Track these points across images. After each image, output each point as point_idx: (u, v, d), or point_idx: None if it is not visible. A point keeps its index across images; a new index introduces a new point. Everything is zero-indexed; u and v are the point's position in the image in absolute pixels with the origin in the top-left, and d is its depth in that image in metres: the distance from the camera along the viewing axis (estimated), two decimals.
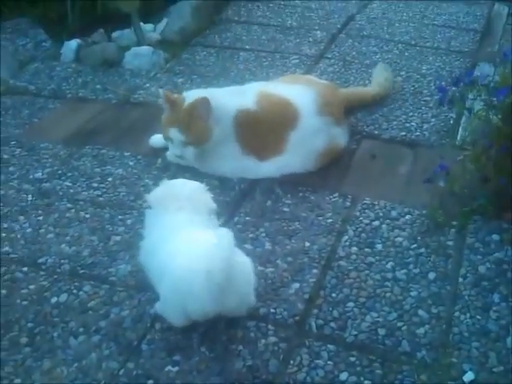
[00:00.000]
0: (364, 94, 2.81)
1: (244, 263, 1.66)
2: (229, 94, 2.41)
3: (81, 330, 1.76)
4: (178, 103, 2.30)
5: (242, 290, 1.62)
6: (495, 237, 2.06)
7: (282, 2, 4.05)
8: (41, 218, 2.20)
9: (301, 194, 2.30)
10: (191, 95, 2.33)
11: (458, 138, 2.55)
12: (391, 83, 2.89)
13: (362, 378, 1.61)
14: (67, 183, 2.39)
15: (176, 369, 1.63)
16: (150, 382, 1.60)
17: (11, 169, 2.47)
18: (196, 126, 2.25)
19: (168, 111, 2.33)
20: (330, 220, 2.17)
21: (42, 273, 1.97)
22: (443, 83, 2.20)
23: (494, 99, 1.99)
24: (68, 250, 2.06)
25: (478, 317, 1.78)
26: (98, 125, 2.80)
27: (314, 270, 1.95)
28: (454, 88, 2.06)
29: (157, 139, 2.54)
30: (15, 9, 3.88)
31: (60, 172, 2.45)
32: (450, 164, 2.18)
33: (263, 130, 2.33)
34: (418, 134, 2.64)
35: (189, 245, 1.63)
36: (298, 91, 2.47)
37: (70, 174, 2.44)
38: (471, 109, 2.03)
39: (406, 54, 3.35)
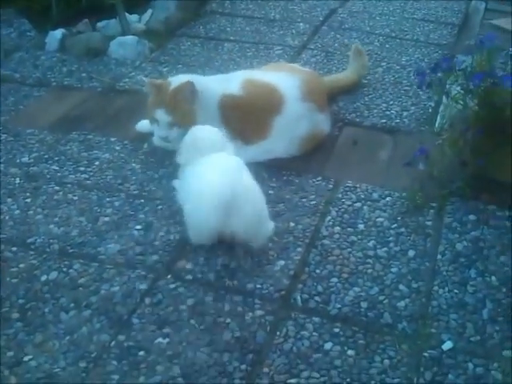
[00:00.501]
0: (344, 81, 2.88)
1: (251, 187, 1.95)
2: (214, 80, 2.46)
3: (71, 305, 1.80)
4: (164, 87, 2.34)
5: (247, 211, 1.88)
6: (472, 217, 2.14)
7: None
8: (29, 200, 2.23)
9: (285, 178, 2.35)
10: (177, 80, 2.37)
11: (436, 125, 2.62)
12: (367, 68, 2.97)
13: (345, 348, 1.67)
14: (54, 167, 2.42)
15: (166, 340, 1.68)
16: (141, 352, 1.64)
17: None
18: (182, 107, 2.29)
19: (153, 95, 2.37)
20: (313, 202, 2.23)
21: (31, 252, 1.99)
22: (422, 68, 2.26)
23: (471, 84, 2.05)
24: (57, 230, 2.09)
25: (456, 291, 1.86)
26: (83, 112, 2.83)
27: (299, 249, 2.01)
28: (432, 74, 2.12)
29: (143, 124, 2.58)
30: None
31: (47, 156, 2.48)
32: (429, 148, 2.24)
33: (248, 114, 2.38)
34: (397, 121, 2.72)
35: (205, 170, 1.94)
36: (282, 78, 2.52)
37: (56, 159, 2.47)
38: (449, 93, 2.10)
39: (387, 45, 3.42)
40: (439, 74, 2.09)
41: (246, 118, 2.37)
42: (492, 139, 2.13)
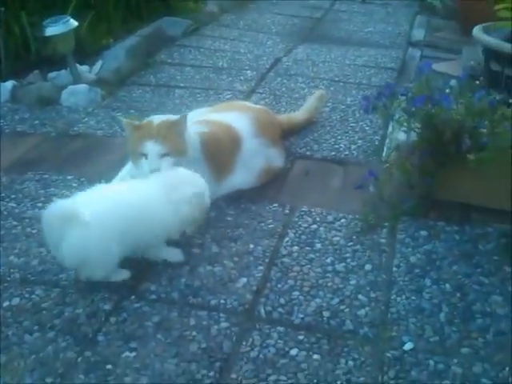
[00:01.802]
0: (297, 119, 3.00)
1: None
2: None
3: (35, 327, 1.78)
4: (146, 125, 2.26)
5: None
6: (423, 232, 2.24)
7: (212, 47, 4.29)
8: None
9: (243, 206, 2.42)
10: (157, 118, 2.31)
11: (384, 154, 2.75)
12: (319, 111, 3.10)
13: (310, 353, 1.71)
14: (12, 204, 2.42)
15: (133, 354, 1.68)
16: (109, 366, 1.64)
17: None
18: (173, 137, 2.21)
19: (135, 133, 2.25)
20: (271, 225, 2.29)
21: None
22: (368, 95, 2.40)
23: (413, 107, 2.19)
24: (17, 260, 2.08)
25: (413, 297, 1.93)
26: (38, 155, 2.86)
27: (260, 267, 2.06)
28: (377, 100, 2.26)
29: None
30: None
31: (3, 195, 2.48)
32: (377, 172, 2.36)
33: (220, 151, 2.45)
34: (346, 153, 2.84)
35: None
36: (235, 116, 2.62)
37: (13, 196, 2.47)
38: (393, 115, 2.23)
39: (332, 88, 3.59)
40: (383, 100, 2.21)
41: (219, 155, 2.44)
42: (436, 160, 2.25)
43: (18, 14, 3.87)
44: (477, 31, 3.04)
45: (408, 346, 1.74)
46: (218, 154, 2.43)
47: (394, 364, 1.68)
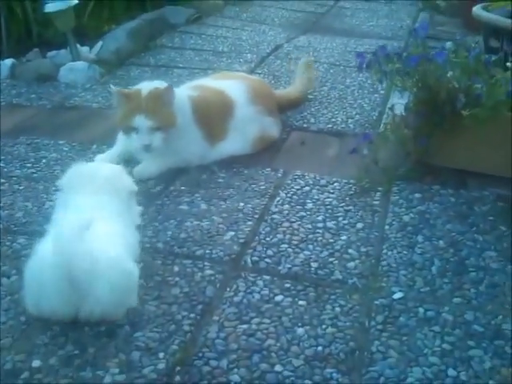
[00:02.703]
0: (292, 94, 2.96)
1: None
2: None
3: (13, 271, 1.74)
4: (134, 94, 2.24)
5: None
6: (417, 195, 2.19)
7: (214, 34, 4.27)
8: None
9: (235, 169, 2.37)
10: (145, 86, 2.28)
11: (381, 127, 2.70)
12: (314, 81, 3.07)
13: (296, 299, 1.66)
14: (1, 164, 2.39)
15: None
16: None
17: None
18: (162, 110, 2.20)
19: (124, 105, 2.24)
20: (262, 187, 2.25)
21: None
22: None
23: (407, 67, 2.15)
24: (1, 213, 2.04)
25: (405, 252, 1.87)
26: (32, 123, 2.83)
27: (249, 222, 2.01)
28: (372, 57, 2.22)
29: (103, 158, 2.35)
30: None
31: None
32: (372, 136, 2.31)
33: (212, 116, 2.42)
34: (343, 126, 2.80)
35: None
36: (229, 84, 2.59)
37: (3, 158, 2.44)
38: (387, 72, 2.19)
39: (331, 71, 3.56)
40: (378, 58, 2.18)
41: (211, 119, 2.41)
42: (431, 121, 2.20)
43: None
44: (477, 9, 3.01)
45: (397, 296, 1.68)
46: (210, 118, 2.40)
47: (382, 310, 1.62)
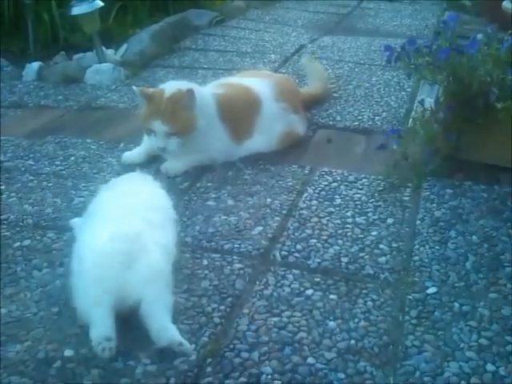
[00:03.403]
0: (313, 91, 2.94)
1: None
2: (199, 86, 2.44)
3: (44, 264, 1.74)
4: (157, 95, 2.25)
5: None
6: (449, 190, 2.16)
7: (237, 36, 4.27)
8: (3, 187, 2.20)
9: (261, 166, 2.36)
10: (169, 86, 2.30)
11: (410, 122, 2.67)
12: (324, 72, 3.06)
13: (327, 293, 1.63)
14: (29, 162, 2.40)
15: None
16: None
17: None
18: (181, 116, 2.20)
19: (147, 105, 2.26)
20: (290, 183, 2.23)
21: (4, 226, 1.95)
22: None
23: (438, 59, 2.12)
24: (31, 209, 2.05)
25: (437, 247, 1.84)
26: (60, 123, 2.84)
27: (277, 218, 2.00)
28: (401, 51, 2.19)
29: (129, 156, 2.40)
30: None
31: (22, 154, 2.47)
32: (401, 130, 2.28)
33: (238, 113, 2.41)
34: (370, 123, 2.77)
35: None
36: (255, 81, 2.58)
37: (31, 156, 2.46)
38: (416, 65, 2.15)
39: (356, 69, 3.54)
40: (407, 51, 2.15)
41: (236, 116, 2.39)
42: (462, 115, 2.17)
43: (49, 2, 3.91)
44: (506, 3, 2.97)
45: (431, 290, 1.65)
46: (235, 115, 2.39)
47: (415, 305, 1.59)
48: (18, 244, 1.84)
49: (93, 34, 3.51)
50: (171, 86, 2.29)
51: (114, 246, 1.43)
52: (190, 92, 2.21)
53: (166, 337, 1.37)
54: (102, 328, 1.36)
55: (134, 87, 2.31)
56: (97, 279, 1.41)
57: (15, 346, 1.43)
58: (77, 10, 3.42)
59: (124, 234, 1.46)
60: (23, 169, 2.34)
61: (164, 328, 1.39)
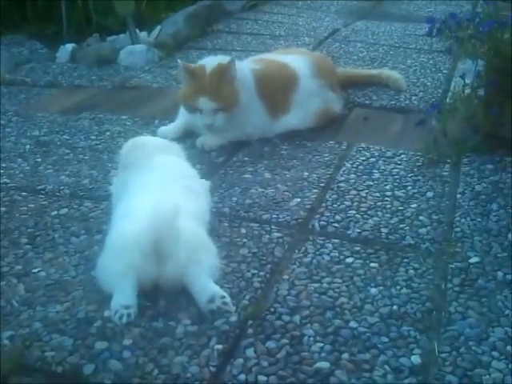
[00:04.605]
0: (352, 72, 2.90)
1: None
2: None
3: (82, 231, 1.74)
4: (199, 71, 2.23)
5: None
6: (489, 166, 2.11)
7: (270, 19, 4.25)
8: (39, 159, 2.21)
9: (297, 142, 2.34)
10: (210, 61, 2.28)
11: (448, 100, 2.62)
12: (398, 84, 2.88)
13: (367, 261, 1.60)
14: (65, 136, 2.41)
15: None
16: None
17: (8, 129, 2.49)
18: (225, 90, 2.18)
19: (189, 82, 2.25)
20: (327, 158, 2.21)
21: (41, 196, 1.96)
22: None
23: (480, 32, 2.07)
24: (68, 179, 2.06)
25: (479, 219, 1.80)
26: (94, 101, 2.86)
27: (314, 190, 1.97)
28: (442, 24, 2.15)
29: (165, 131, 2.37)
30: (11, 26, 4.01)
31: (58, 129, 2.48)
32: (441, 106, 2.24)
33: (276, 89, 2.38)
34: (407, 102, 2.73)
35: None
36: (292, 58, 2.56)
37: (67, 131, 2.47)
38: (459, 38, 2.11)
39: (391, 52, 3.49)
40: (449, 23, 2.11)
41: (274, 93, 2.37)
42: (504, 90, 2.12)
43: None
44: None
45: (474, 260, 1.61)
46: (272, 91, 2.37)
47: (458, 273, 1.56)
48: (55, 213, 1.85)
49: (127, 15, 3.51)
50: (211, 61, 2.27)
51: (154, 220, 1.40)
52: (232, 63, 2.19)
53: (208, 292, 1.38)
54: (122, 297, 1.37)
55: (179, 61, 2.29)
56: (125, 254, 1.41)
57: (55, 307, 1.42)
58: None
59: (163, 208, 1.42)
60: (59, 143, 2.34)
61: (206, 286, 1.39)
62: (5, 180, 2.05)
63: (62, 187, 2.00)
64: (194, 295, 1.39)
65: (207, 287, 1.39)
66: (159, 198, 1.46)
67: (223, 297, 1.38)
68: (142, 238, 1.39)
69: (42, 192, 1.98)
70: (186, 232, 1.43)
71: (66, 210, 1.86)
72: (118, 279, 1.40)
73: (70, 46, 3.55)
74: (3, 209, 1.87)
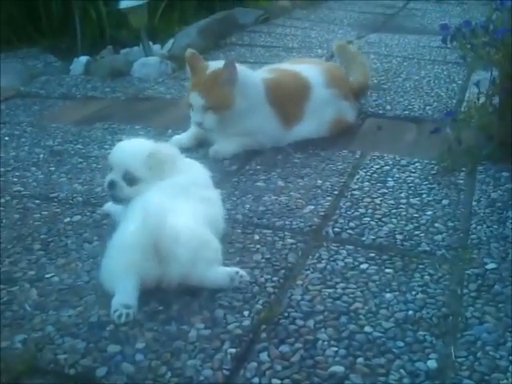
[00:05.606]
0: (361, 81, 2.89)
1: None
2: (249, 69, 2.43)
3: (95, 238, 1.74)
4: (200, 68, 2.27)
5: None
6: (505, 174, 2.09)
7: (283, 32, 4.26)
8: (53, 168, 2.22)
9: (311, 151, 2.33)
10: (215, 63, 2.31)
11: (463, 106, 2.60)
12: (369, 68, 2.92)
13: (382, 267, 1.59)
14: (79, 146, 2.42)
15: None
16: None
17: (22, 139, 2.50)
18: (217, 90, 2.19)
19: (191, 77, 2.29)
20: (340, 166, 2.20)
21: (54, 204, 1.96)
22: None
23: (494, 39, 2.06)
24: (81, 188, 2.06)
25: (495, 226, 1.78)
26: (108, 112, 2.87)
27: (328, 198, 1.96)
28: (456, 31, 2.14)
29: (179, 139, 2.36)
30: (26, 40, 4.06)
31: (71, 139, 2.49)
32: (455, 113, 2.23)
33: (287, 98, 2.38)
34: (421, 112, 2.72)
35: None
36: (305, 67, 2.55)
37: (81, 140, 2.48)
38: (473, 44, 2.10)
39: (405, 63, 3.49)
40: (463, 30, 2.10)
41: (285, 101, 2.37)
42: None
43: (96, 1, 3.98)
44: None
45: (490, 266, 1.59)
46: (285, 100, 2.37)
47: (475, 279, 1.54)
48: (68, 219, 1.85)
49: (140, 28, 3.54)
50: (217, 63, 2.29)
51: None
52: (230, 67, 2.20)
53: (221, 274, 1.45)
54: (123, 296, 1.38)
55: (189, 49, 2.32)
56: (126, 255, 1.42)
57: (68, 311, 1.42)
58: (125, 4, 3.45)
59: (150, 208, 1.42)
60: (72, 152, 2.35)
61: (219, 271, 1.47)
62: (18, 188, 2.06)
63: (75, 195, 2.00)
64: (211, 286, 1.44)
65: (220, 272, 1.47)
66: (145, 199, 1.48)
67: (237, 272, 1.47)
68: (141, 238, 1.39)
69: (55, 200, 1.98)
70: (186, 232, 1.43)
71: (78, 217, 1.86)
72: (120, 279, 1.41)
73: (84, 59, 3.57)
74: (17, 216, 1.88)
